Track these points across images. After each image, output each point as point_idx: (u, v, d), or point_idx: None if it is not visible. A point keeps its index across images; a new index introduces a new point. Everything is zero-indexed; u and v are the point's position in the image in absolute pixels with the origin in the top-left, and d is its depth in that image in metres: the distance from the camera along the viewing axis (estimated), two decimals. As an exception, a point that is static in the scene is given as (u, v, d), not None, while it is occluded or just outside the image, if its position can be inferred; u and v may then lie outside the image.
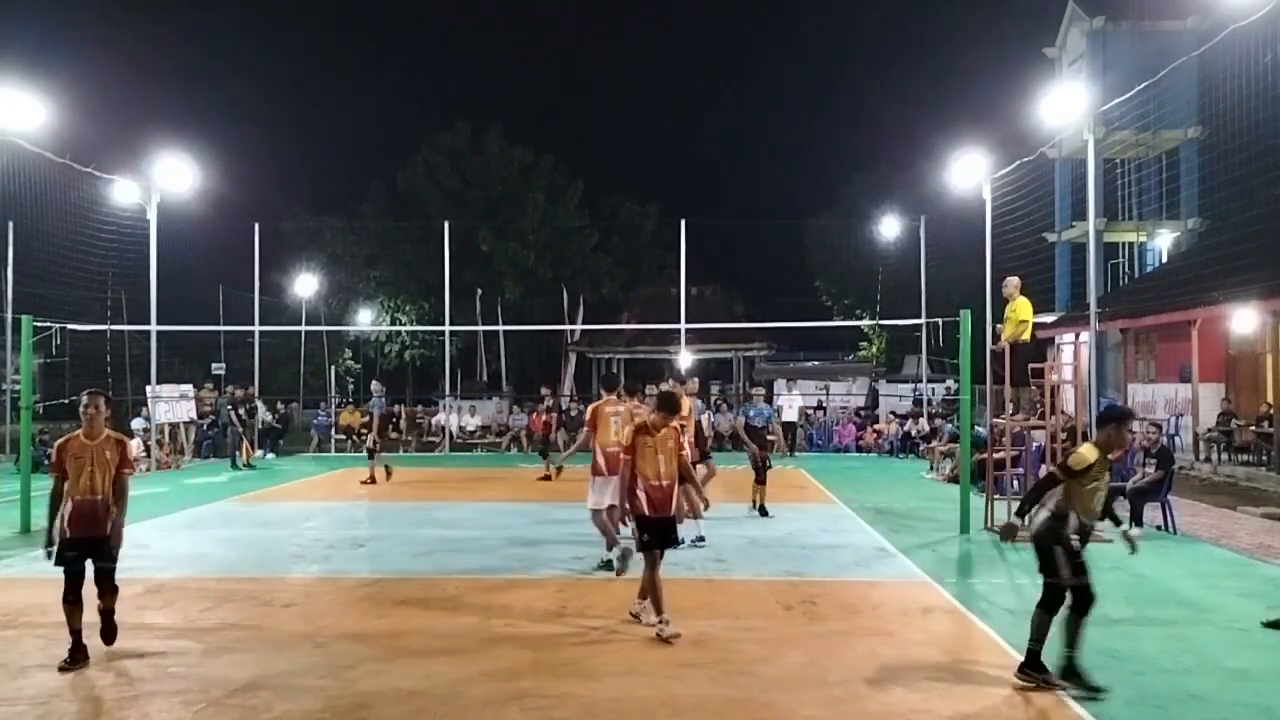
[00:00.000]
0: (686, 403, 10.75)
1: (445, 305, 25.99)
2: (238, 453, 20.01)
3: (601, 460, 8.79)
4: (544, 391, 21.23)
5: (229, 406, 20.58)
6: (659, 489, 7.04)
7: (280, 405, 24.11)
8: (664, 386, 11.73)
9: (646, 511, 7.01)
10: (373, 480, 16.38)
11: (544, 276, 38.25)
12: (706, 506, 10.49)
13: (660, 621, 6.85)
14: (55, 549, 6.30)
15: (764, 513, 12.49)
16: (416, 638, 6.90)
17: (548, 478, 16.81)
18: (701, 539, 10.28)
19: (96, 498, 6.29)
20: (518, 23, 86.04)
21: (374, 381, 18.53)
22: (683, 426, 10.42)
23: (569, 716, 5.41)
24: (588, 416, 9.36)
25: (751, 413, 13.12)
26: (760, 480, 12.64)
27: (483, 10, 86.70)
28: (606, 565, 8.83)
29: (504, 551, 10.23)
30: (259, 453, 21.56)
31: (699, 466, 10.89)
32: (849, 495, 14.68)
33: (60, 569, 6.27)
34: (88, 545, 6.27)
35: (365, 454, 17.14)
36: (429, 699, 5.63)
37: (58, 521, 6.32)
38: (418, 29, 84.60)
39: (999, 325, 12.00)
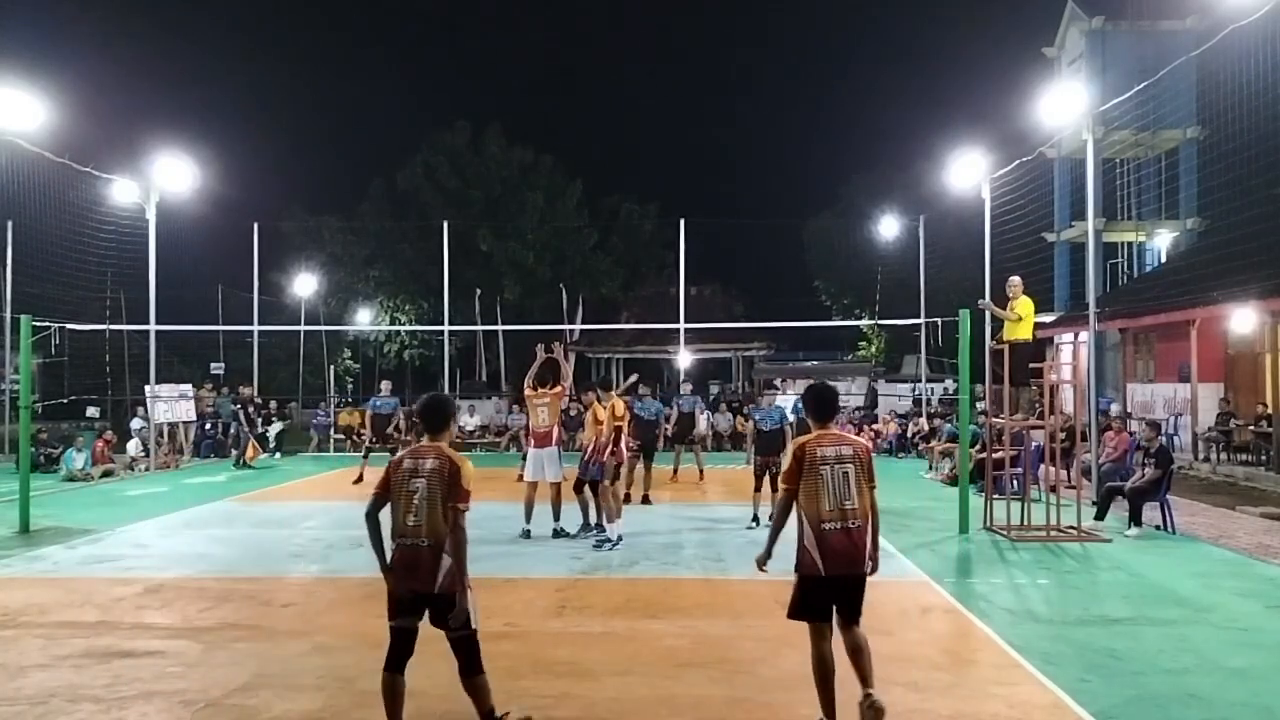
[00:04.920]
0: (619, 404, 10.93)
1: (444, 305, 25.97)
2: (238, 450, 20.01)
3: (530, 439, 11.27)
4: None
5: (237, 406, 20.54)
6: (835, 533, 4.99)
7: (276, 419, 24.06)
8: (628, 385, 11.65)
9: (819, 567, 5.00)
10: (361, 479, 16.53)
11: (543, 276, 38.22)
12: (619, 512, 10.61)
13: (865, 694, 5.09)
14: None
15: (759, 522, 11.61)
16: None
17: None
18: (607, 542, 10.31)
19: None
20: (518, 23, 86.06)
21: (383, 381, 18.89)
22: (618, 428, 10.65)
23: (569, 716, 5.41)
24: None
25: (758, 415, 11.98)
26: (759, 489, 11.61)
27: (483, 10, 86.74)
28: (526, 535, 10.75)
29: (504, 551, 10.22)
30: (264, 454, 21.54)
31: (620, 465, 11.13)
32: (848, 495, 14.65)
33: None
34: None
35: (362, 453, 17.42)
36: (429, 699, 5.62)
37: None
38: (417, 29, 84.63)
39: (998, 336, 11.94)
